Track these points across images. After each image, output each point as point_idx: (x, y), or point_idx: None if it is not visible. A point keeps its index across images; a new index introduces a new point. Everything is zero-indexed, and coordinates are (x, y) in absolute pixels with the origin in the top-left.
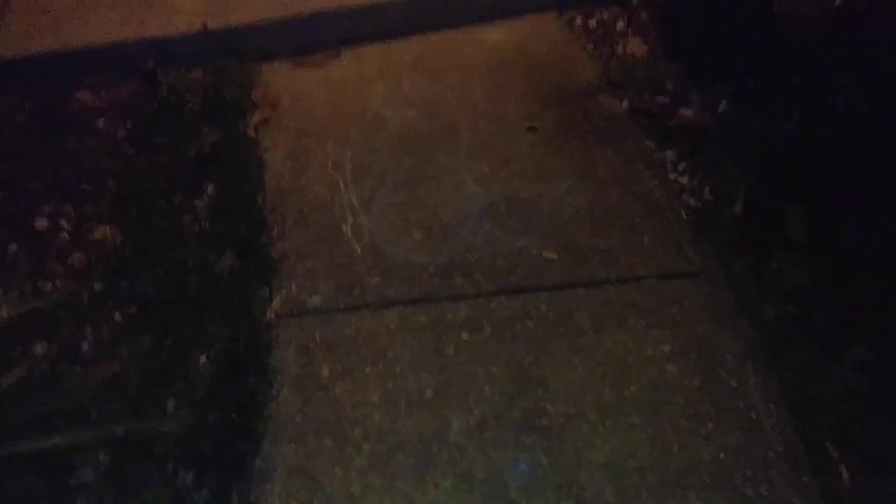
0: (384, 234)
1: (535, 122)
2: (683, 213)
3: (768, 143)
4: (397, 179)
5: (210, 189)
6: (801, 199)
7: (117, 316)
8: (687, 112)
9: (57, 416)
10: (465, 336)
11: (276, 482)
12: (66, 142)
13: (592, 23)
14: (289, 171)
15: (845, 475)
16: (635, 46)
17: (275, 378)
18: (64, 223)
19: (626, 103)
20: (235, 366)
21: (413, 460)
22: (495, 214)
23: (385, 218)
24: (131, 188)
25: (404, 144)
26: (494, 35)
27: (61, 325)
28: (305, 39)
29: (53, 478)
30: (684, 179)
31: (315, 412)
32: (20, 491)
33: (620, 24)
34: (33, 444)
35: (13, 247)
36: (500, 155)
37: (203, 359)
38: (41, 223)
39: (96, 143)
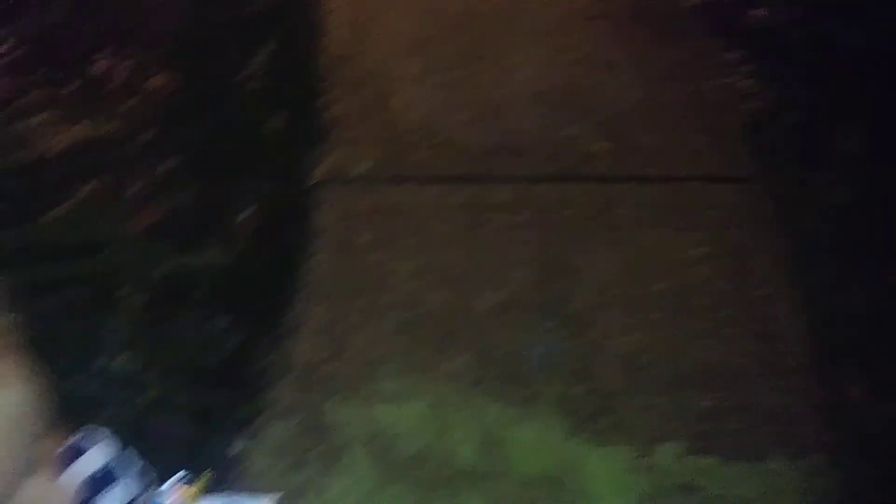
0: (435, 110)
1: (602, 9)
2: (739, 117)
3: (840, 50)
4: (455, 55)
5: (268, 47)
6: (862, 114)
7: (166, 163)
8: (760, 12)
9: (101, 250)
10: (502, 218)
11: (305, 337)
12: None
13: None
14: (348, 37)
15: (854, 392)
16: None
17: (313, 239)
18: (121, 69)
19: None
20: (276, 224)
21: (436, 331)
22: (548, 100)
23: (438, 93)
24: (190, 40)
25: (467, 20)
26: None
27: (112, 168)
28: None
29: (93, 305)
30: (745, 83)
31: (348, 276)
32: (62, 305)
33: None
34: (75, 269)
35: (72, 86)
36: (562, 40)
37: (245, 214)
38: (99, 67)
39: None
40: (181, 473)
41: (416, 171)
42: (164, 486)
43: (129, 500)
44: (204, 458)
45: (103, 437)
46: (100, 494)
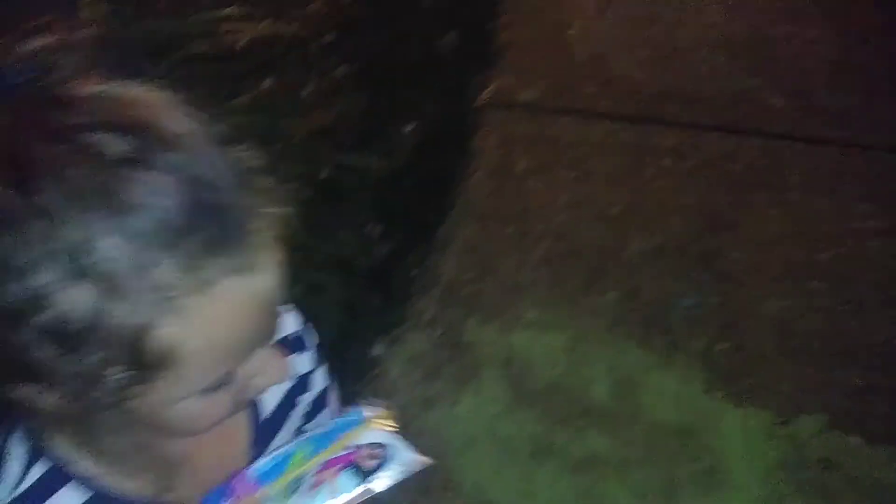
0: (610, 45)
1: None
2: None
3: None
4: None
5: None
6: None
7: (340, 69)
8: None
9: (273, 144)
10: (666, 163)
11: (453, 255)
12: None
13: None
14: None
15: None
16: None
17: (472, 160)
18: None
19: None
20: (438, 140)
21: (584, 266)
22: (730, 47)
23: (616, 29)
24: None
25: None
26: None
27: (289, 68)
28: None
29: None
30: None
31: (503, 200)
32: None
33: None
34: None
35: None
36: None
37: (410, 127)
38: None
39: None
40: (380, 401)
41: (584, 104)
42: (371, 401)
43: (313, 367)
44: (346, 354)
45: (289, 308)
46: (293, 356)
